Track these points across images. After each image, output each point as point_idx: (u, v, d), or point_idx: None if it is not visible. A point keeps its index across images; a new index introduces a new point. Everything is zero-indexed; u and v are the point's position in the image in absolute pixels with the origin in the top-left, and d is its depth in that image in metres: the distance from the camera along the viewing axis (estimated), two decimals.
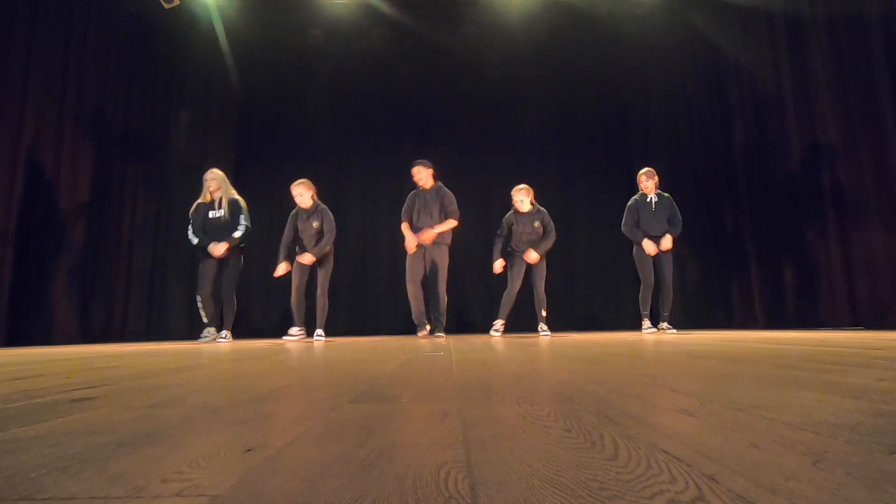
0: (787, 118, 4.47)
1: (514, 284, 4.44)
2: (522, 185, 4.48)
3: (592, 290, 6.28)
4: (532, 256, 4.36)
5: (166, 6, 5.48)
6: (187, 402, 0.91)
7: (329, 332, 4.57)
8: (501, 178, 6.48)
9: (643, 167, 4.63)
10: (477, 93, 6.57)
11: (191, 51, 5.95)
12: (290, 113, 6.61)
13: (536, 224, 4.44)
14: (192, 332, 5.39)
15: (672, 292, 4.36)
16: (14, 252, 4.09)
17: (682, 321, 5.62)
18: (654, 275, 4.36)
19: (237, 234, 4.22)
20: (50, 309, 4.32)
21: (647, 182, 4.41)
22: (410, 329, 4.92)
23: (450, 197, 4.40)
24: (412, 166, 4.46)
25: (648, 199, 4.40)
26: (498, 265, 4.45)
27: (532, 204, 4.46)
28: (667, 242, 4.26)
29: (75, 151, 4.66)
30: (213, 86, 6.17)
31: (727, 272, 5.22)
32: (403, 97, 6.59)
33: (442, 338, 4.04)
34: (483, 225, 6.43)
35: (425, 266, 4.33)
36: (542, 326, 4.39)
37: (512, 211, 4.51)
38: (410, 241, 4.29)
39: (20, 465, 0.52)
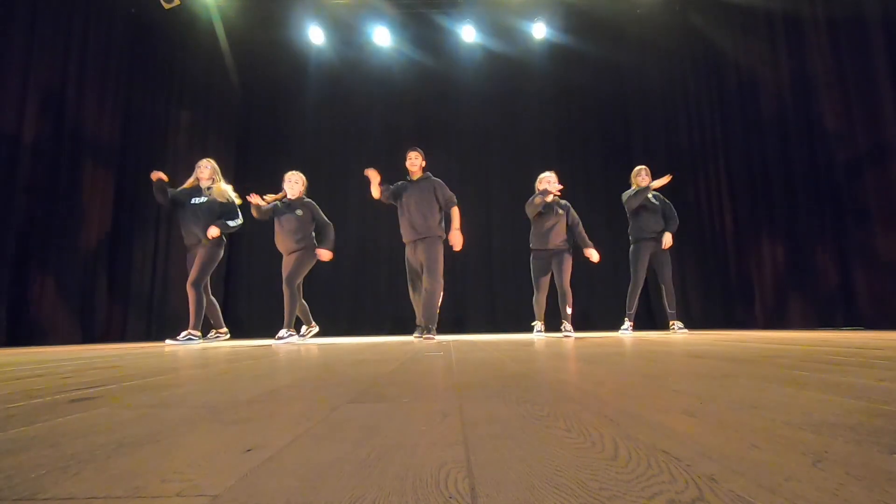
0: (787, 118, 4.47)
1: (543, 286, 4.28)
2: (546, 173, 4.28)
3: (593, 290, 6.28)
4: (594, 255, 4.26)
5: (166, 6, 5.48)
6: (187, 402, 0.91)
7: (329, 332, 4.56)
8: (501, 177, 6.49)
9: (640, 165, 4.64)
10: (477, 92, 6.58)
11: (191, 51, 5.95)
12: (290, 112, 6.62)
13: (561, 213, 4.29)
14: None
15: (673, 288, 4.35)
16: (14, 252, 4.09)
17: (682, 321, 5.62)
18: (655, 274, 4.38)
19: (232, 223, 4.11)
20: (50, 309, 4.32)
21: (643, 179, 4.41)
22: (410, 330, 4.92)
23: (441, 184, 4.13)
24: (408, 151, 4.19)
25: (648, 196, 4.41)
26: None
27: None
28: (668, 240, 4.27)
29: (75, 151, 4.66)
30: (213, 85, 6.17)
31: (727, 272, 5.22)
32: (403, 96, 6.59)
33: (433, 339, 3.82)
34: (483, 225, 6.43)
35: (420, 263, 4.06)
36: (567, 326, 4.12)
37: (538, 197, 4.18)
38: (373, 179, 4.03)
39: (20, 465, 0.52)
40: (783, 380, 1.01)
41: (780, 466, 0.45)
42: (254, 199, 3.99)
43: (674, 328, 4.25)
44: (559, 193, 4.23)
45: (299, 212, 4.11)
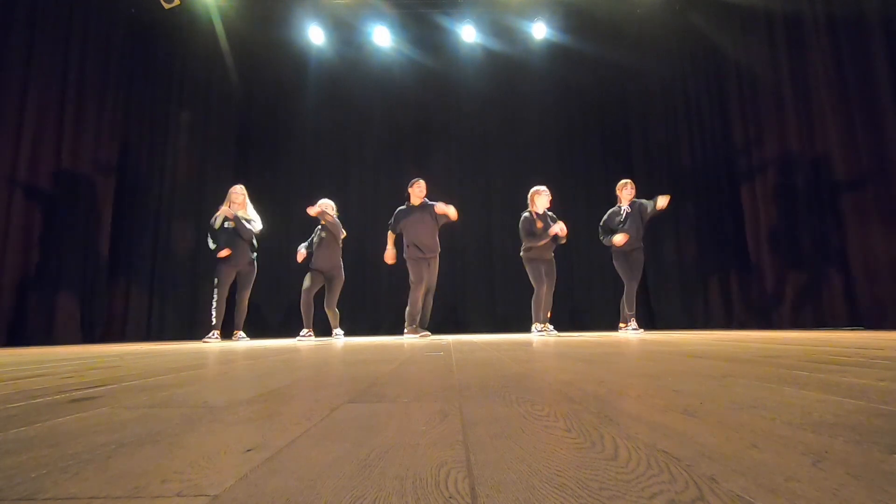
0: (787, 118, 4.47)
1: (541, 286, 4.44)
2: (543, 187, 4.58)
3: (592, 291, 6.28)
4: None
5: (166, 6, 5.48)
6: (187, 402, 0.91)
7: (329, 333, 4.58)
8: (501, 176, 6.49)
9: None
10: (477, 92, 6.57)
11: (191, 51, 5.95)
12: (290, 112, 6.61)
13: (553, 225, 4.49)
14: (192, 332, 5.39)
15: (634, 293, 4.44)
16: (15, 252, 4.09)
17: (682, 321, 5.62)
18: (645, 272, 4.46)
19: (258, 229, 4.61)
20: (50, 309, 4.32)
21: (628, 192, 4.53)
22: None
23: (433, 206, 4.55)
24: (416, 180, 4.56)
25: (621, 211, 4.53)
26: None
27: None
28: (662, 201, 4.30)
29: (75, 152, 4.66)
30: (213, 86, 6.17)
31: (728, 272, 5.22)
32: (403, 96, 6.58)
33: (428, 335, 4.43)
34: (483, 224, 6.43)
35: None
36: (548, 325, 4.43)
37: (530, 212, 4.53)
38: (392, 254, 4.57)
39: (20, 465, 0.52)
40: (783, 380, 1.01)
41: (780, 466, 0.45)
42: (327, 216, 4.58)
43: (625, 329, 4.39)
44: (542, 211, 4.53)
45: (323, 234, 4.60)
